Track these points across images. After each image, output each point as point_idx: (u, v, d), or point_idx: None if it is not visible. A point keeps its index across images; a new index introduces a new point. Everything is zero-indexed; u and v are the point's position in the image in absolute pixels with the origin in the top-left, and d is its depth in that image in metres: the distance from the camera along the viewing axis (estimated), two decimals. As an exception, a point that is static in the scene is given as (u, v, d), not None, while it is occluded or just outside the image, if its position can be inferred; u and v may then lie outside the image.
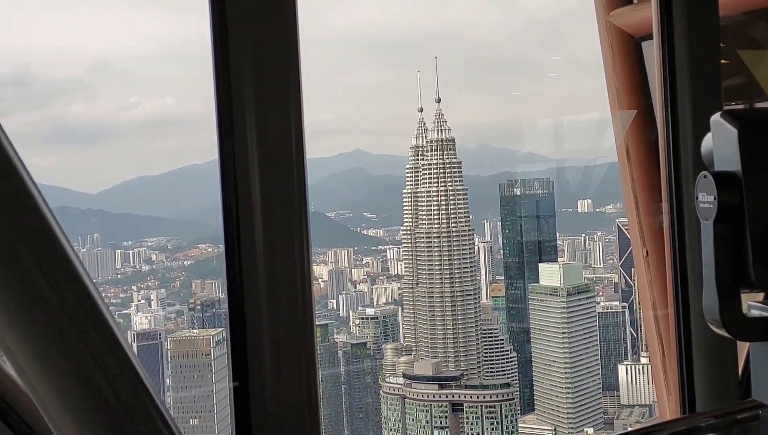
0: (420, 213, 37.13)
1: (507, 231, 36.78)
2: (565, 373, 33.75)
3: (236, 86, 2.76)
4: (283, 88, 2.83)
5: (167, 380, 33.47)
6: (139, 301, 40.12)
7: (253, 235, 2.74)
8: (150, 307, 39.90)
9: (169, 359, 33.96)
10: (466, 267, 36.17)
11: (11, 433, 2.65)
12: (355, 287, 38.99)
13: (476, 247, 37.02)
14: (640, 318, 31.60)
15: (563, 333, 33.90)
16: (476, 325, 35.39)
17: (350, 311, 37.40)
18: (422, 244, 36.87)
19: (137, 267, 42.88)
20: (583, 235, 37.09)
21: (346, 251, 39.14)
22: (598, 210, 37.21)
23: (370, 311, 36.69)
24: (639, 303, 30.38)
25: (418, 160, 37.79)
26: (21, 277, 2.09)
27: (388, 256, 40.30)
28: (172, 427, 2.40)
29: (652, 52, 4.08)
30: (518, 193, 36.91)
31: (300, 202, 2.82)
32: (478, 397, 33.40)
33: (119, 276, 41.44)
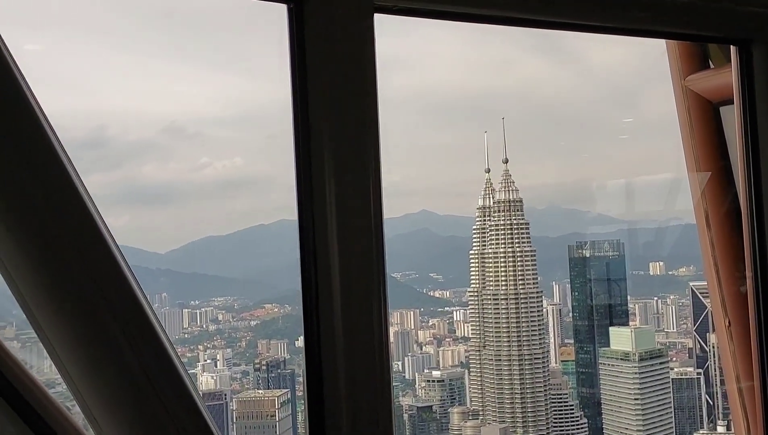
0: (487, 274, 36.85)
1: (576, 293, 36.22)
2: (638, 440, 32.81)
3: (316, 148, 2.75)
4: (362, 151, 2.81)
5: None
6: (206, 360, 40.35)
7: (331, 297, 2.71)
8: (216, 366, 40.08)
9: (235, 420, 33.97)
10: (535, 330, 35.66)
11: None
12: (421, 349, 38.68)
13: (545, 310, 36.51)
14: (717, 385, 30.68)
15: (635, 399, 33.04)
16: (545, 390, 34.72)
17: (416, 373, 37.06)
18: (489, 306, 36.51)
19: (204, 326, 43.22)
20: (656, 298, 36.31)
21: (412, 312, 38.95)
22: (670, 273, 36.44)
23: (436, 374, 36.29)
24: (717, 370, 29.52)
25: (485, 220, 37.64)
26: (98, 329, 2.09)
27: (455, 318, 39.97)
28: None
29: (730, 117, 3.99)
30: (588, 255, 36.41)
31: (378, 263, 2.78)
32: (547, 465, 32.63)
33: (186, 335, 41.81)
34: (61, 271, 2.15)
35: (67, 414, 2.70)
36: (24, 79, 2.14)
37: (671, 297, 35.99)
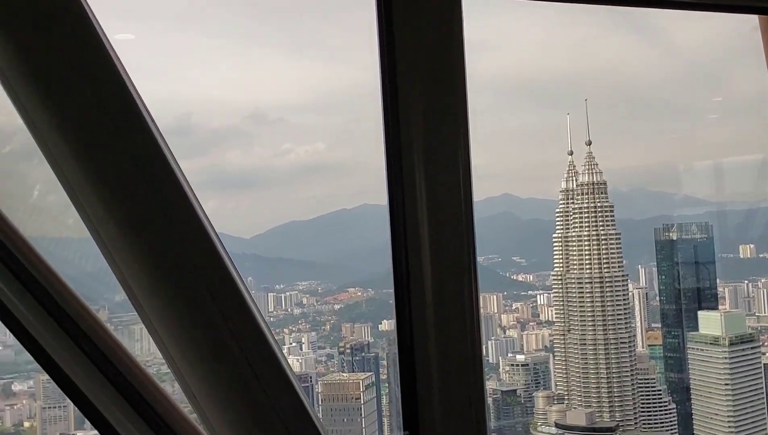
0: (571, 258, 36.40)
1: (663, 277, 35.52)
2: (729, 427, 32.08)
3: (405, 132, 2.77)
4: (451, 134, 2.81)
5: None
6: (291, 344, 40.90)
7: (422, 281, 2.73)
8: (301, 350, 40.60)
9: (320, 402, 34.36)
10: (620, 314, 35.12)
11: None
12: (505, 333, 38.49)
13: (630, 294, 35.91)
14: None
15: (726, 385, 32.30)
16: (632, 375, 34.18)
17: (500, 357, 36.90)
18: (573, 290, 36.09)
19: (289, 310, 43.79)
20: (746, 281, 35.36)
21: (495, 296, 38.76)
22: (762, 255, 35.44)
23: (520, 358, 36.07)
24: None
25: (568, 203, 37.15)
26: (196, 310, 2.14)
27: (539, 302, 39.63)
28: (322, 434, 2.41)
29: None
30: (675, 238, 35.65)
31: (468, 246, 2.79)
32: (634, 450, 32.17)
33: (272, 319, 42.42)
34: (163, 256, 2.21)
35: (185, 414, 2.79)
36: (126, 72, 2.21)
37: (762, 280, 35.01)
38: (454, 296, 2.74)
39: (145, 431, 2.71)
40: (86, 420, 2.88)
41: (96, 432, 2.82)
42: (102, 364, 2.76)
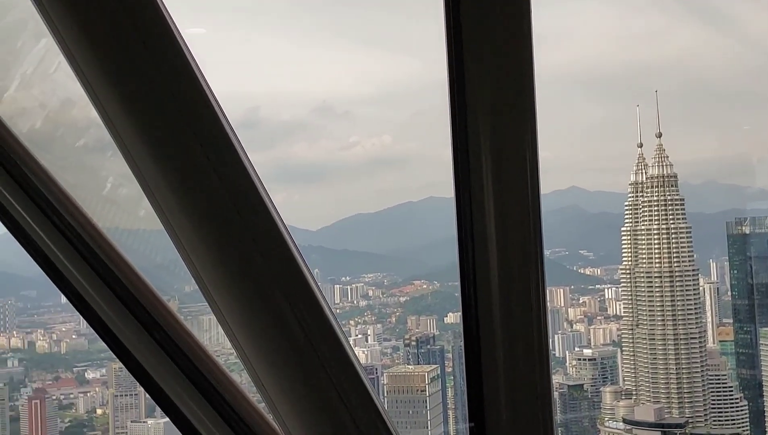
0: (640, 251, 35.90)
1: (735, 271, 34.80)
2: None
3: (472, 125, 2.75)
4: (519, 127, 2.79)
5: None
6: (357, 335, 41.22)
7: (488, 274, 2.71)
8: (367, 341, 40.89)
9: (385, 394, 34.54)
10: (690, 308, 34.53)
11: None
12: (572, 327, 38.16)
13: (701, 288, 35.29)
14: None
15: (801, 382, 31.56)
16: (702, 370, 33.61)
17: (566, 351, 36.61)
18: (642, 284, 35.58)
19: (354, 302, 44.16)
20: (823, 276, 34.47)
21: (562, 290, 38.44)
22: (839, 250, 34.49)
23: (587, 352, 35.75)
24: None
25: (637, 196, 36.64)
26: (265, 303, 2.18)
27: (606, 296, 39.18)
28: (387, 424, 2.43)
29: None
30: (748, 232, 34.89)
31: (535, 239, 2.76)
32: (704, 447, 31.63)
33: (338, 311, 42.79)
34: (233, 247, 2.25)
35: (254, 402, 2.84)
36: (198, 65, 2.24)
37: (840, 275, 34.10)
38: (521, 289, 2.72)
39: (214, 418, 2.77)
40: (157, 407, 2.96)
41: (167, 419, 2.89)
42: (174, 352, 2.82)
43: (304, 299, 2.35)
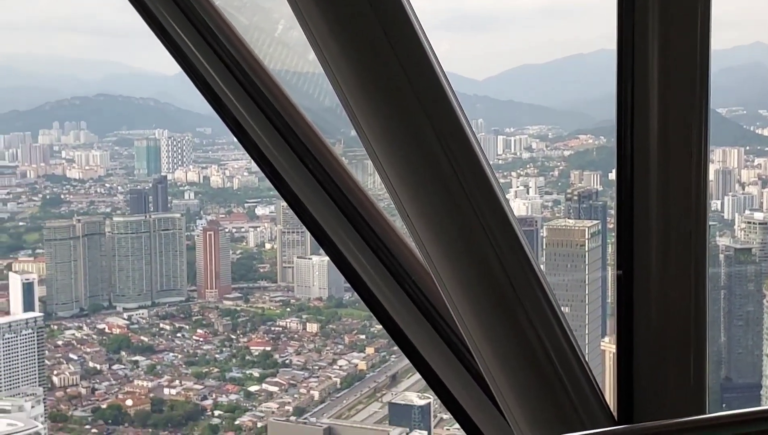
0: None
1: None
2: None
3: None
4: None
5: (541, 266, 34.29)
6: (518, 187, 41.15)
7: (647, 125, 2.66)
8: (528, 193, 40.79)
9: (544, 246, 34.59)
10: None
11: (408, 299, 2.92)
12: (744, 189, 36.70)
13: None
14: None
15: None
16: None
17: (736, 214, 35.35)
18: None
19: (518, 154, 43.86)
20: None
21: (736, 150, 36.80)
22: None
23: (758, 216, 34.39)
24: None
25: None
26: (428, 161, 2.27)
27: (785, 159, 37.28)
28: (555, 307, 2.51)
29: None
30: None
31: (701, 99, 2.68)
32: None
33: (500, 162, 42.66)
34: (393, 93, 2.33)
35: (392, 223, 2.98)
36: None
37: None
38: (679, 144, 2.67)
39: (361, 247, 2.92)
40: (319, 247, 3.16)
41: (327, 258, 3.11)
42: (324, 181, 3.00)
43: (462, 151, 2.41)
